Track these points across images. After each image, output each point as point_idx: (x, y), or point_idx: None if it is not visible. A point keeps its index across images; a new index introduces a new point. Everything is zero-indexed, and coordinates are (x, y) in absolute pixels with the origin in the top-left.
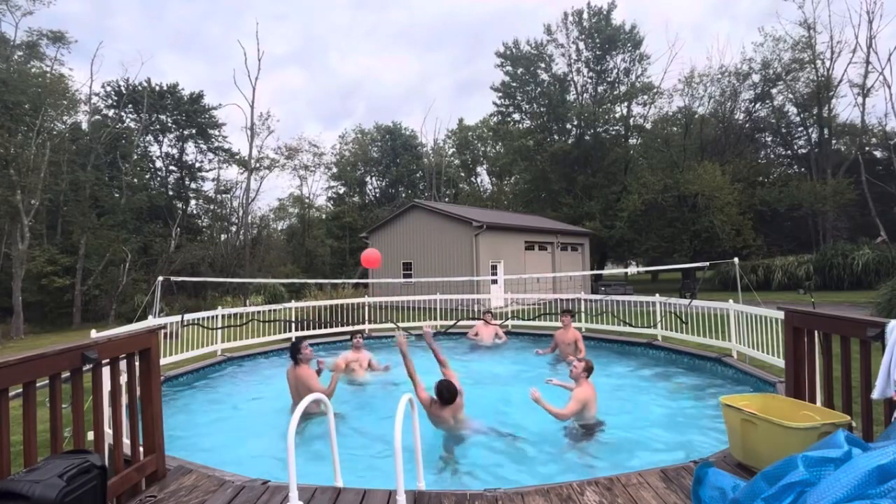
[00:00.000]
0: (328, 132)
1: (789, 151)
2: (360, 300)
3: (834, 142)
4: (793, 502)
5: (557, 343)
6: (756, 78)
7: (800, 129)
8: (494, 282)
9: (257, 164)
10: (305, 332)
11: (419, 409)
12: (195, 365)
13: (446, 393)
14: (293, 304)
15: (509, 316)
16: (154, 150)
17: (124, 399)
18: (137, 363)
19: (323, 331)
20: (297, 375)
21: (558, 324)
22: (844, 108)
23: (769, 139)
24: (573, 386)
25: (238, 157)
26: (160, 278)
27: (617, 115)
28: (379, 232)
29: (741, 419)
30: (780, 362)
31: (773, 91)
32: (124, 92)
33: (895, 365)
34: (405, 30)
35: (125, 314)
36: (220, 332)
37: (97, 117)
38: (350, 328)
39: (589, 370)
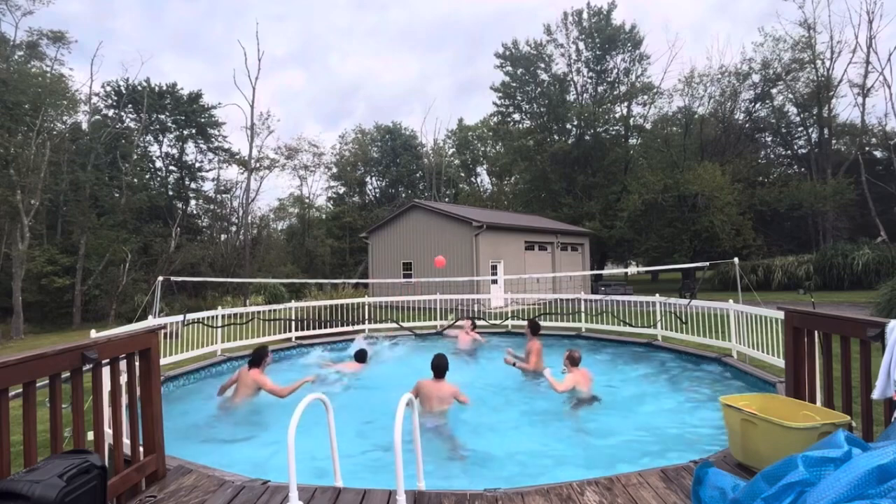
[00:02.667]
0: (328, 132)
1: (789, 151)
2: (361, 300)
3: (834, 142)
4: (793, 502)
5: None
6: (756, 78)
7: (800, 129)
8: (494, 282)
9: (257, 164)
10: (305, 332)
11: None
12: (195, 365)
13: (435, 360)
14: (293, 303)
15: (509, 316)
16: (154, 150)
17: (124, 399)
18: (137, 363)
19: (323, 330)
20: (255, 378)
21: (558, 323)
22: (844, 108)
23: (769, 139)
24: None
25: (238, 156)
26: (160, 278)
27: (617, 115)
28: (379, 232)
29: (741, 419)
30: (780, 362)
31: (773, 91)
32: (124, 92)
33: (895, 365)
34: (405, 30)
35: (125, 314)
36: (220, 331)
37: (97, 117)
38: (350, 328)
39: (572, 360)
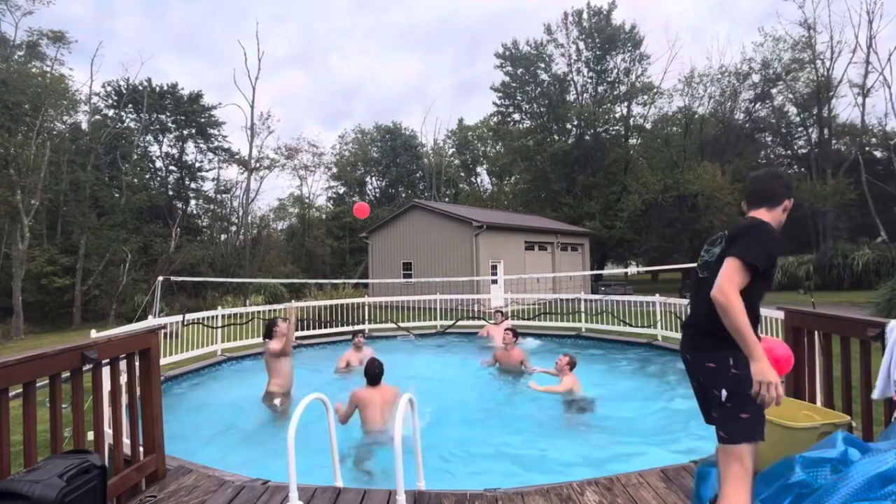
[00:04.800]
0: (328, 132)
1: (789, 151)
2: (360, 300)
3: (834, 142)
4: (791, 503)
5: (499, 361)
6: (756, 78)
7: (800, 129)
8: (494, 282)
9: (257, 164)
10: (306, 332)
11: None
12: (195, 365)
13: (371, 368)
14: (293, 303)
15: (509, 316)
16: (154, 150)
17: (124, 399)
18: (137, 363)
19: (323, 330)
20: (268, 349)
21: (560, 323)
22: (844, 108)
23: (769, 139)
24: (554, 371)
25: (238, 156)
26: (160, 278)
27: (617, 115)
28: (379, 232)
29: None
30: None
31: (773, 91)
32: (124, 92)
33: (895, 365)
34: (405, 31)
35: (125, 314)
36: (220, 331)
37: (97, 117)
38: (350, 328)
39: (572, 365)
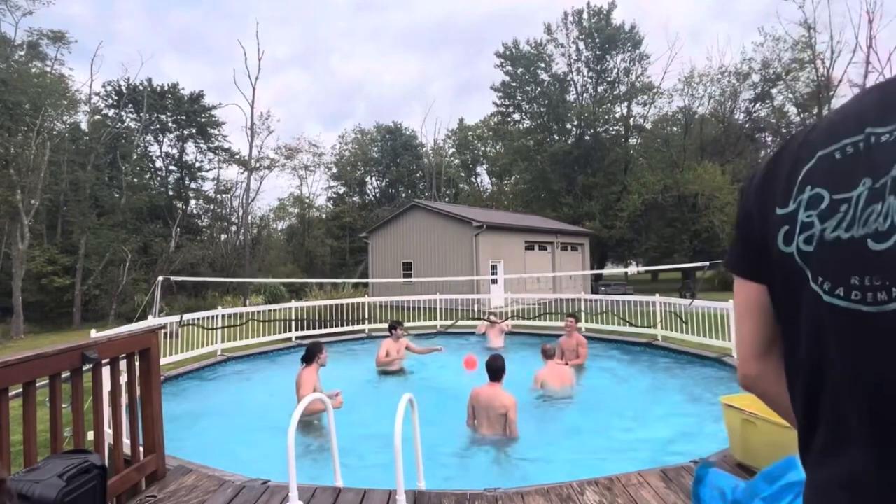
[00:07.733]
0: (328, 132)
1: None
2: (361, 300)
3: None
4: (792, 502)
5: (563, 349)
6: (756, 78)
7: (800, 129)
8: (494, 282)
9: (257, 164)
10: (305, 332)
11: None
12: (195, 365)
13: (492, 363)
14: (293, 303)
15: (509, 316)
16: (154, 149)
17: (124, 399)
18: (137, 363)
19: (323, 330)
20: (302, 376)
21: (559, 323)
22: None
23: (769, 139)
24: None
25: (238, 156)
26: (160, 278)
27: (617, 115)
28: (379, 232)
29: (741, 419)
30: None
31: (773, 91)
32: (124, 92)
33: None
34: (406, 32)
35: (125, 314)
36: (220, 331)
37: (97, 117)
38: (350, 327)
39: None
